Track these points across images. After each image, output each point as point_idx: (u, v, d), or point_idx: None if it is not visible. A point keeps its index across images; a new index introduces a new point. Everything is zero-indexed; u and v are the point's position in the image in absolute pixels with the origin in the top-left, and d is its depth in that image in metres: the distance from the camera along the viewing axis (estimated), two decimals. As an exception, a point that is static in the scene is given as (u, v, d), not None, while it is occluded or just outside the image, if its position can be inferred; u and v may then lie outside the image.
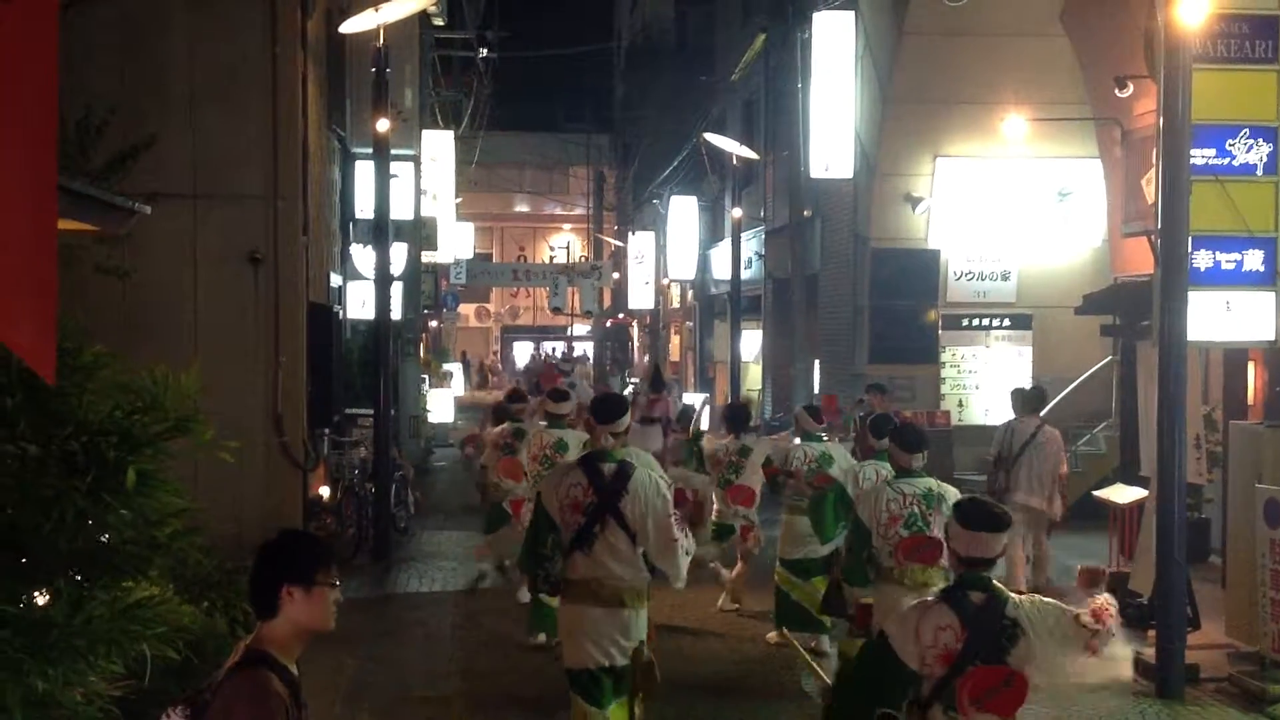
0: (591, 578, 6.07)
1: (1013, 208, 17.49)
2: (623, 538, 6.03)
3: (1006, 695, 4.31)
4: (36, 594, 4.35)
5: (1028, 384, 17.46)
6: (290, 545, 3.57)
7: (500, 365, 51.27)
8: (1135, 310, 12.55)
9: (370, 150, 14.03)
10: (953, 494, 6.54)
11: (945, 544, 4.78)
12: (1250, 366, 12.48)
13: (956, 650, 4.30)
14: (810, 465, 9.39)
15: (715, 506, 10.10)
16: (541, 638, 9.34)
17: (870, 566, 6.77)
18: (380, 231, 13.57)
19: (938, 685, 4.34)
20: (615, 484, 6.04)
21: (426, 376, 24.21)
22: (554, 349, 50.31)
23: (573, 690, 6.27)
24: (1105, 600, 4.54)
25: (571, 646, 6.22)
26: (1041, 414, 12.06)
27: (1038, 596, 4.70)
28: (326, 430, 13.46)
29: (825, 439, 9.87)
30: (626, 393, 21.22)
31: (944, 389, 17.97)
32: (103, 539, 4.49)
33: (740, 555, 10.76)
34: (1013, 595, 4.52)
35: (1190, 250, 9.10)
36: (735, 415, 11.03)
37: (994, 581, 4.51)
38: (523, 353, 52.25)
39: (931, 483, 6.79)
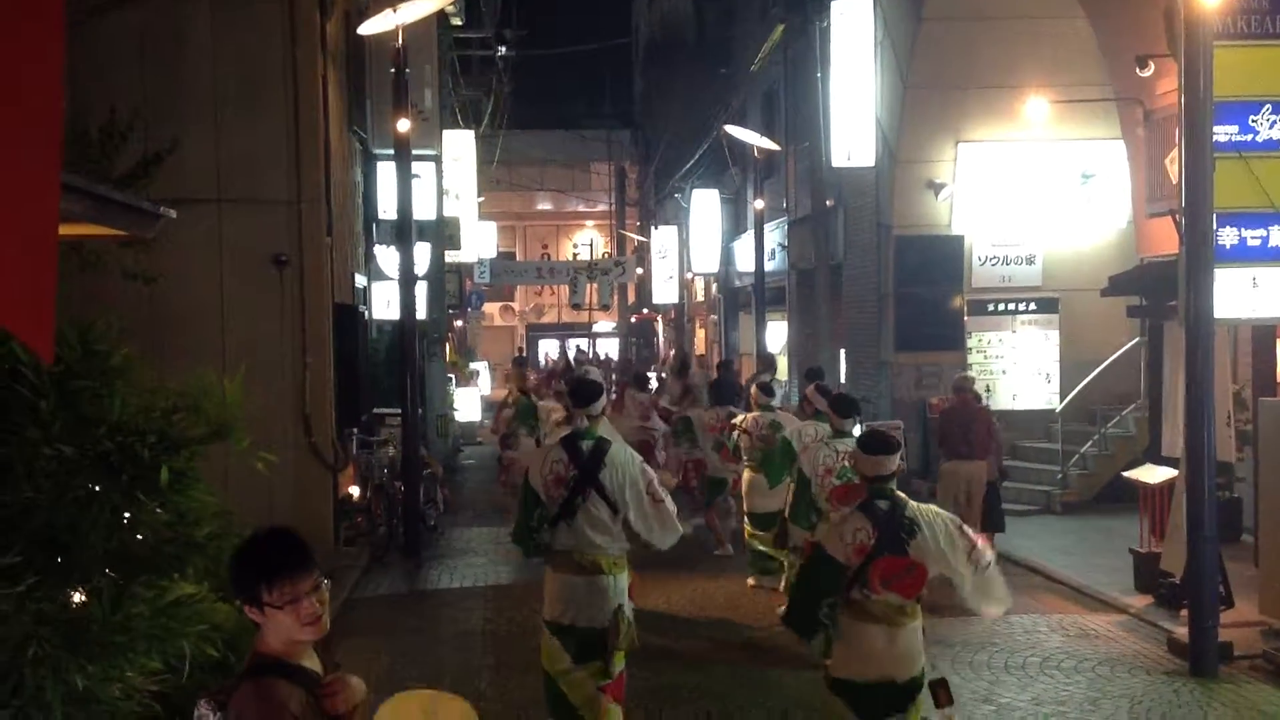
0: (573, 547, 6.64)
1: (1036, 191, 17.39)
2: (604, 508, 6.62)
3: (909, 580, 5.49)
4: (75, 593, 4.40)
5: (1055, 368, 17.49)
6: (234, 558, 3.15)
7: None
8: (1162, 290, 12.48)
9: (391, 151, 14.09)
10: None
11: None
12: (1279, 343, 12.40)
13: (870, 545, 5.46)
14: (763, 430, 11.65)
15: (710, 464, 13.54)
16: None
17: (814, 511, 8.46)
18: (403, 232, 13.61)
19: (857, 572, 5.49)
20: (593, 458, 6.65)
21: (453, 375, 24.29)
22: (578, 346, 50.49)
23: (546, 630, 6.76)
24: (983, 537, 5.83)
25: (552, 605, 6.74)
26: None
27: (933, 507, 5.77)
28: (355, 430, 13.55)
29: (776, 409, 12.25)
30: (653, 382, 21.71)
31: (971, 375, 17.84)
32: (139, 538, 4.53)
33: (732, 506, 13.37)
34: (911, 501, 5.64)
35: (1215, 228, 9.06)
36: (719, 388, 14.24)
37: (895, 490, 5.64)
38: (551, 350, 52.49)
39: None
